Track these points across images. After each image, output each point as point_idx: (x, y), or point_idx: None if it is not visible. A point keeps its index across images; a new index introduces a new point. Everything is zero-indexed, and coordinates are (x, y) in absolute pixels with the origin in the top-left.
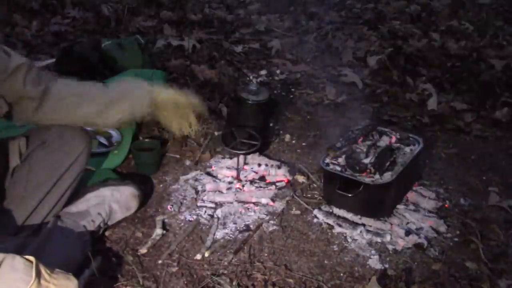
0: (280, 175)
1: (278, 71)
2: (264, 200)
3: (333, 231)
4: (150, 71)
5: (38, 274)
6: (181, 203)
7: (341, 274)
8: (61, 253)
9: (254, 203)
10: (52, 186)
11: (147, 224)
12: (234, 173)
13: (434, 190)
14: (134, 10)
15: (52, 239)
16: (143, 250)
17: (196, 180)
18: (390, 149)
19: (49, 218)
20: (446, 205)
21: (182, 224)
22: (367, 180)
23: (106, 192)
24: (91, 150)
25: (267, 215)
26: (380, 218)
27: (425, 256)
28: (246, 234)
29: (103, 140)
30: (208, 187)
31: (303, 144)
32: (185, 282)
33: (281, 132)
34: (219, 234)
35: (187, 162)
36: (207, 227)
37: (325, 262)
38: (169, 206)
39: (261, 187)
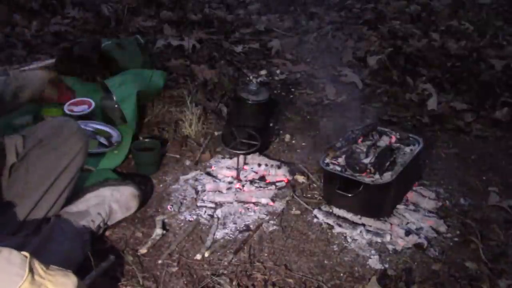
0: (280, 175)
1: (278, 71)
2: (264, 200)
3: (333, 231)
4: (150, 71)
5: (31, 270)
6: (181, 203)
7: (341, 274)
8: (60, 253)
9: (254, 203)
10: (50, 185)
11: (147, 224)
12: (234, 173)
13: (434, 190)
14: (134, 10)
15: (51, 239)
16: (143, 250)
17: (196, 180)
18: (390, 149)
19: (48, 217)
20: (445, 204)
21: (182, 224)
22: (367, 180)
23: (106, 192)
24: (88, 149)
25: (267, 215)
26: (380, 218)
27: (425, 256)
28: (246, 234)
29: (103, 140)
30: (208, 187)
31: (303, 144)
32: (185, 282)
33: (281, 132)
34: (219, 234)
35: (187, 162)
36: (207, 227)
37: (325, 262)
38: (169, 206)
39: (261, 187)
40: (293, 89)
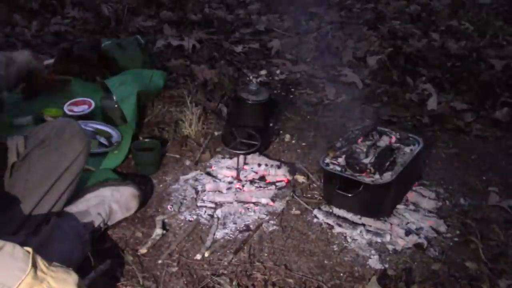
0: (280, 175)
1: (278, 71)
2: (264, 200)
3: (333, 231)
4: (150, 71)
5: (34, 264)
6: (181, 203)
7: (341, 274)
8: (61, 253)
9: (254, 203)
10: (51, 186)
11: (147, 224)
12: (234, 173)
13: (434, 190)
14: (134, 10)
15: (52, 239)
16: (143, 250)
17: (196, 180)
18: (390, 149)
19: (48, 217)
20: (445, 204)
21: (182, 224)
22: (367, 180)
23: (106, 192)
24: (90, 149)
25: (267, 215)
26: (380, 218)
27: (425, 256)
28: (246, 234)
29: (103, 140)
30: (208, 187)
31: (303, 144)
32: (185, 282)
33: (281, 132)
34: (219, 234)
35: (187, 162)
36: (207, 227)
37: (325, 262)
38: (169, 206)
39: (261, 187)
40: (293, 89)
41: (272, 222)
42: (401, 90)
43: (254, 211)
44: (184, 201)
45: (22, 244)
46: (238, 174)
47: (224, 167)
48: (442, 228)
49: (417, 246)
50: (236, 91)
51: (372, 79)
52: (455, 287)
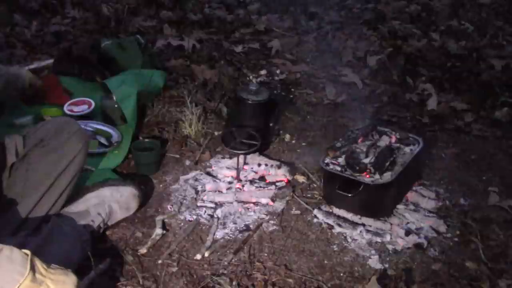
0: (280, 175)
1: (278, 71)
2: (264, 200)
3: (333, 231)
4: (150, 71)
5: (33, 267)
6: (181, 203)
7: (341, 274)
8: (60, 253)
9: (254, 203)
10: (50, 185)
11: (147, 224)
12: (234, 173)
13: (434, 190)
14: (134, 10)
15: (51, 239)
16: (143, 250)
17: (196, 180)
18: (390, 149)
19: (48, 217)
20: (445, 204)
21: (182, 224)
22: (367, 180)
23: (106, 192)
24: (88, 149)
25: (267, 215)
26: (380, 218)
27: (425, 256)
28: (246, 234)
29: (103, 140)
30: (208, 187)
31: (303, 144)
32: (185, 282)
33: (281, 132)
34: (219, 234)
35: (187, 162)
36: (207, 227)
37: (325, 262)
38: (169, 206)
39: (261, 187)
40: (293, 89)
41: (272, 222)
42: (401, 90)
43: (254, 211)
44: (184, 201)
45: (22, 244)
46: (238, 174)
47: (224, 167)
48: (442, 228)
49: (417, 246)
50: (236, 91)
51: (372, 79)
52: (455, 287)
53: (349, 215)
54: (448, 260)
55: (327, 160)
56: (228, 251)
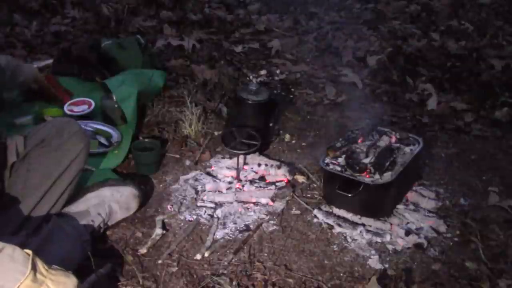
0: (280, 175)
1: (278, 71)
2: (264, 200)
3: (333, 231)
4: (150, 71)
5: (34, 267)
6: (181, 203)
7: (341, 274)
8: (61, 253)
9: (254, 203)
10: (51, 185)
11: (147, 224)
12: (234, 173)
13: (434, 190)
14: (134, 10)
15: (52, 239)
16: (143, 250)
17: (196, 180)
18: (390, 149)
19: (48, 217)
20: (445, 204)
21: (182, 224)
22: (367, 180)
23: (106, 192)
24: (89, 149)
25: (267, 215)
26: (380, 218)
27: (425, 256)
28: (246, 234)
29: (103, 140)
30: (208, 187)
31: (303, 144)
32: (185, 282)
33: (281, 132)
34: (219, 234)
35: (187, 162)
36: (207, 227)
37: (325, 262)
38: (169, 206)
39: (261, 187)
40: (293, 89)
41: (272, 222)
42: (401, 90)
43: (254, 211)
44: (184, 201)
45: (22, 244)
46: (238, 174)
47: (224, 167)
48: (442, 228)
49: (417, 246)
50: (236, 91)
51: (372, 79)
52: (455, 287)
53: (349, 215)
54: (448, 260)
55: (327, 160)
56: (228, 251)
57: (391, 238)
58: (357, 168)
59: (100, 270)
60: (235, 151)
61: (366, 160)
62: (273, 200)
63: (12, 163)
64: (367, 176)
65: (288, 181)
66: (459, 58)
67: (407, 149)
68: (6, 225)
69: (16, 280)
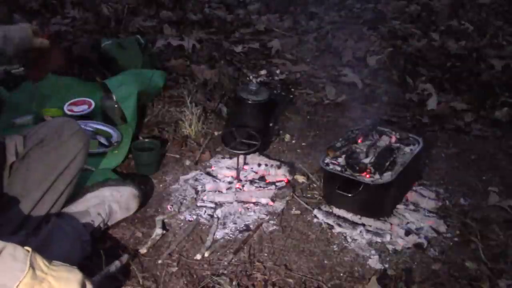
0: (280, 175)
1: (278, 71)
2: (264, 200)
3: (333, 231)
4: (150, 71)
5: (32, 264)
6: (181, 203)
7: (341, 274)
8: (60, 253)
9: (254, 203)
10: (51, 185)
11: (147, 224)
12: (234, 173)
13: (434, 190)
14: (134, 10)
15: (51, 239)
16: (143, 250)
17: (196, 180)
18: (390, 149)
19: (48, 217)
20: (445, 204)
21: (182, 224)
22: (367, 180)
23: (106, 192)
24: (88, 149)
25: (267, 215)
26: (380, 218)
27: (425, 256)
28: (246, 234)
29: (103, 140)
30: (208, 187)
31: (303, 144)
32: (185, 282)
33: (281, 132)
34: (219, 234)
35: (187, 162)
36: (207, 227)
37: (325, 262)
38: (169, 206)
39: (261, 187)
40: (293, 89)
41: (272, 222)
42: (401, 90)
43: (254, 211)
44: (184, 201)
45: (22, 244)
46: (238, 174)
47: (224, 167)
48: (442, 228)
49: (417, 246)
50: (236, 91)
51: (372, 79)
52: (455, 287)
53: (349, 215)
54: (448, 260)
55: (327, 160)
56: (228, 251)
57: (391, 238)
58: (357, 168)
59: (108, 267)
60: (235, 151)
61: (366, 160)
62: (273, 200)
63: (11, 162)
64: (367, 176)
65: (288, 181)
66: (459, 58)
67: (407, 149)
68: (6, 224)
69: (17, 279)
